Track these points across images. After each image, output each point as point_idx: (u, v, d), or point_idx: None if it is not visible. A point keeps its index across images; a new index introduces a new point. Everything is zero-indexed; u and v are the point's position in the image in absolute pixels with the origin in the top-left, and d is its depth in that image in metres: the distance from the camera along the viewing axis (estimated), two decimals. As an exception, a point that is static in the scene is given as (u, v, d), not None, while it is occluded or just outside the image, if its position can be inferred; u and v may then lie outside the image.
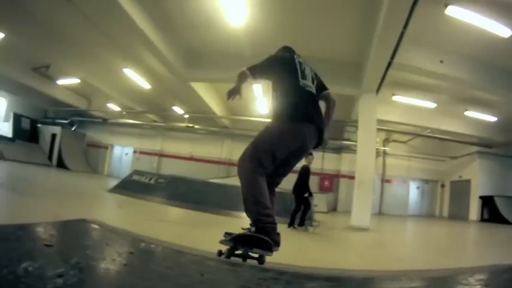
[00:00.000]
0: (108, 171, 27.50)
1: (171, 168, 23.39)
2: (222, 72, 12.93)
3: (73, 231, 3.91)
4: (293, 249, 6.29)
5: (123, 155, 27.71)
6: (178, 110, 22.01)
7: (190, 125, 21.82)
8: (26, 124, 25.62)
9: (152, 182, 13.90)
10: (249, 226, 3.06)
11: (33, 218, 5.28)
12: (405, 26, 8.00)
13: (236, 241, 2.94)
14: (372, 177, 11.27)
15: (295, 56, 3.63)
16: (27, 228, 3.45)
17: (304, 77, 3.39)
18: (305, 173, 9.67)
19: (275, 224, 2.94)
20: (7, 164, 17.91)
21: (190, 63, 13.28)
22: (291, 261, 4.47)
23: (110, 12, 9.99)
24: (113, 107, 24.25)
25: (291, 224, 9.27)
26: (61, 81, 20.96)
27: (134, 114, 24.23)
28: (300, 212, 9.39)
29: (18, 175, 13.68)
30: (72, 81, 20.11)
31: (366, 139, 11.47)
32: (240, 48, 11.74)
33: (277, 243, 2.93)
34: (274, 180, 3.31)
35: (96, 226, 4.43)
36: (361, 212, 10.76)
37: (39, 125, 26.87)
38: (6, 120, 25.06)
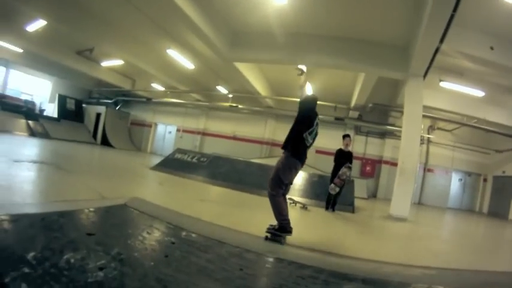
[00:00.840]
0: (151, 149, 28.12)
1: (213, 147, 23.79)
2: (266, 53, 12.90)
3: (115, 218, 4.00)
4: (333, 237, 6.32)
5: (166, 133, 28.08)
6: (222, 89, 21.96)
7: (234, 105, 21.85)
8: (71, 104, 26.67)
9: (194, 160, 14.11)
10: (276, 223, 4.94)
11: (78, 196, 5.57)
12: (455, 9, 7.69)
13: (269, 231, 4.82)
14: (415, 167, 10.93)
15: (317, 118, 5.42)
16: (70, 216, 3.57)
17: (310, 133, 5.15)
18: (336, 155, 10.22)
19: (288, 222, 4.82)
20: (53, 142, 18.61)
21: (234, 43, 13.15)
22: (332, 248, 4.77)
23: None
24: (157, 86, 24.56)
25: (330, 207, 9.74)
26: (105, 63, 21.43)
27: (178, 93, 24.45)
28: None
29: (64, 153, 14.18)
30: (116, 62, 20.54)
31: (411, 126, 11.06)
32: (283, 27, 11.55)
33: (289, 232, 4.80)
34: (286, 192, 5.24)
35: (137, 211, 4.52)
36: (401, 202, 10.51)
37: (84, 105, 27.95)
38: (51, 101, 26.51)
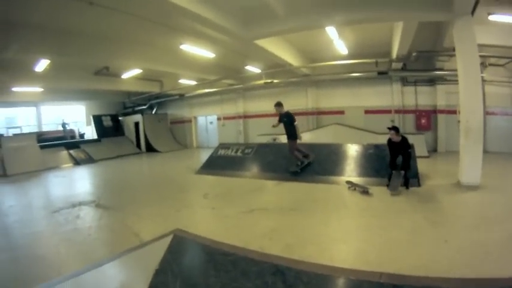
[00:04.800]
0: (197, 143, 27.87)
1: (258, 128, 23.00)
2: (286, 22, 11.34)
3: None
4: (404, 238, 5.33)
5: (207, 124, 27.52)
6: (252, 68, 20.73)
7: (269, 81, 20.77)
8: (107, 121, 27.09)
9: (239, 154, 13.57)
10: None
11: (113, 247, 5.55)
12: None
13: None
14: (481, 123, 9.29)
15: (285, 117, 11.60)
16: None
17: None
18: (388, 146, 9.45)
19: (304, 155, 11.32)
20: (97, 166, 19.04)
21: (247, 20, 11.73)
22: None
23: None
24: (186, 82, 23.89)
25: (403, 184, 9.00)
26: (125, 75, 20.82)
27: (209, 83, 23.60)
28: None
29: (106, 178, 14.50)
30: (135, 72, 19.78)
31: (468, 77, 9.56)
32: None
33: (307, 157, 11.27)
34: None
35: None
36: (470, 167, 9.26)
37: (120, 118, 28.31)
38: (89, 124, 27.45)
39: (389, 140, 9.25)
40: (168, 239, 4.94)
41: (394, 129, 9.17)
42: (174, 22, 12.08)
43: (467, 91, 9.60)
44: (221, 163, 13.30)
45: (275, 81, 20.76)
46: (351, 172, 10.33)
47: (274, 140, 18.37)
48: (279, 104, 11.88)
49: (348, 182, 9.29)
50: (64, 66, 16.97)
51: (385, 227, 6.00)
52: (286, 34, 13.08)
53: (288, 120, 11.35)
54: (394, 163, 9.08)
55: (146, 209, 8.09)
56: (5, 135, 22.83)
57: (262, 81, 20.96)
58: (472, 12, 9.64)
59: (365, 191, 8.52)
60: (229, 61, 19.51)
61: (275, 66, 18.87)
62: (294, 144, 11.24)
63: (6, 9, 9.98)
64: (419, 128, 18.41)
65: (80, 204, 9.04)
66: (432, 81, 18.20)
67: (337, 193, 8.82)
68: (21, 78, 17.54)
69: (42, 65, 14.55)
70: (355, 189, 8.82)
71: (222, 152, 14.05)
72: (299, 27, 11.59)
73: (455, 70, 10.52)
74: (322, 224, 6.30)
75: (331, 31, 12.94)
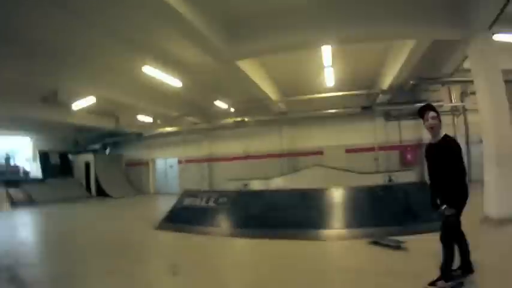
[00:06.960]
0: (154, 189, 25.41)
1: (225, 172, 20.96)
2: (279, 38, 9.24)
3: None
4: None
5: (167, 168, 25.15)
6: (221, 104, 18.01)
7: (239, 119, 18.88)
8: (54, 159, 24.99)
9: (211, 204, 10.29)
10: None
11: None
12: None
13: None
14: None
15: None
16: None
17: None
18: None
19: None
20: (36, 211, 16.47)
21: (232, 35, 9.48)
22: None
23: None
24: (144, 118, 21.09)
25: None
26: (76, 105, 17.34)
27: (170, 120, 21.16)
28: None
29: (39, 231, 12.12)
30: (88, 101, 16.50)
31: (494, 98, 8.30)
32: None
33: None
34: None
35: None
36: (506, 197, 7.78)
37: (70, 156, 26.06)
38: (35, 159, 25.00)
39: (428, 146, 4.65)
40: None
41: (429, 108, 4.52)
42: (141, 30, 9.78)
43: (494, 116, 8.35)
44: (188, 216, 10.30)
45: (246, 119, 18.92)
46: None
47: (245, 185, 16.92)
48: None
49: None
50: (9, 86, 13.69)
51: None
52: (277, 52, 10.89)
53: None
54: (436, 194, 4.40)
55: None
56: None
57: (232, 120, 19.14)
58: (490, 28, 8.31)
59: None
60: (197, 94, 17.17)
61: (248, 102, 16.90)
62: None
63: None
64: (405, 164, 17.44)
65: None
66: (416, 115, 16.50)
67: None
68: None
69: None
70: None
71: (188, 201, 11.00)
72: (295, 43, 9.70)
73: (442, 100, 9.22)
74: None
75: (326, 55, 11.24)
